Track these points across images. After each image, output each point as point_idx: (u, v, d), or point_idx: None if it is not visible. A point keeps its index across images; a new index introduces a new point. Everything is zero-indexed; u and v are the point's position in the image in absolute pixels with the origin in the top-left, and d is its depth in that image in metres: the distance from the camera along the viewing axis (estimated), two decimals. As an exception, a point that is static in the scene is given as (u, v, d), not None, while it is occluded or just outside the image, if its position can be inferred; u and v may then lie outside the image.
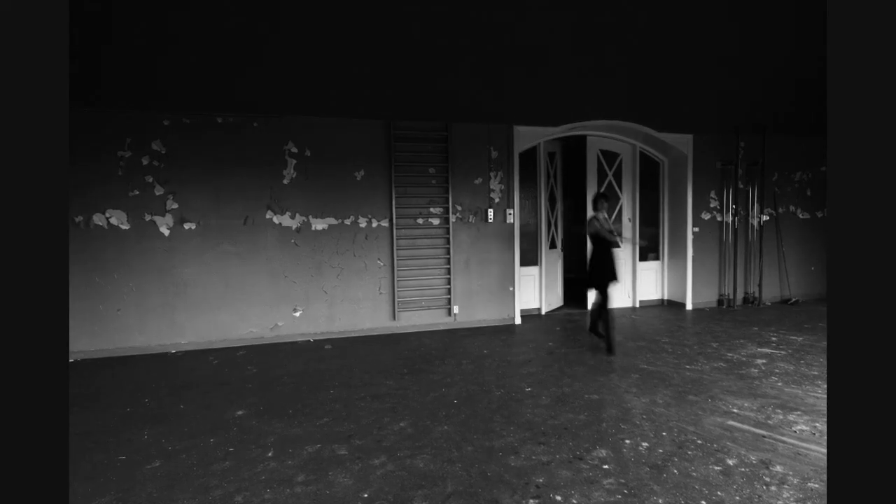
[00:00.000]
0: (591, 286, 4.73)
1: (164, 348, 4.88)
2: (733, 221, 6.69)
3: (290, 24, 4.69)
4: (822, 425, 2.89)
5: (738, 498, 2.18)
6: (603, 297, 4.58)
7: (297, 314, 5.22)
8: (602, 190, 6.36)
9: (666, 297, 6.93)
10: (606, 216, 4.71)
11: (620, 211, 6.82)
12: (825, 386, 3.54)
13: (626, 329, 5.51)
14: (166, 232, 4.83)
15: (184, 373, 4.21)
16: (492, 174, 5.70)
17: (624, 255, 6.84)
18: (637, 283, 6.84)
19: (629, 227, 6.84)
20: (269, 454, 2.68)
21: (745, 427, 2.90)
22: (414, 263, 5.52)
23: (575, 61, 5.54)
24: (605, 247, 4.55)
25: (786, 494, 2.20)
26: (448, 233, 5.56)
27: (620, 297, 6.81)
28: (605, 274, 4.54)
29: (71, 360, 4.58)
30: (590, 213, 4.84)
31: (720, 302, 6.71)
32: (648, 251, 6.99)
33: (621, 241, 4.96)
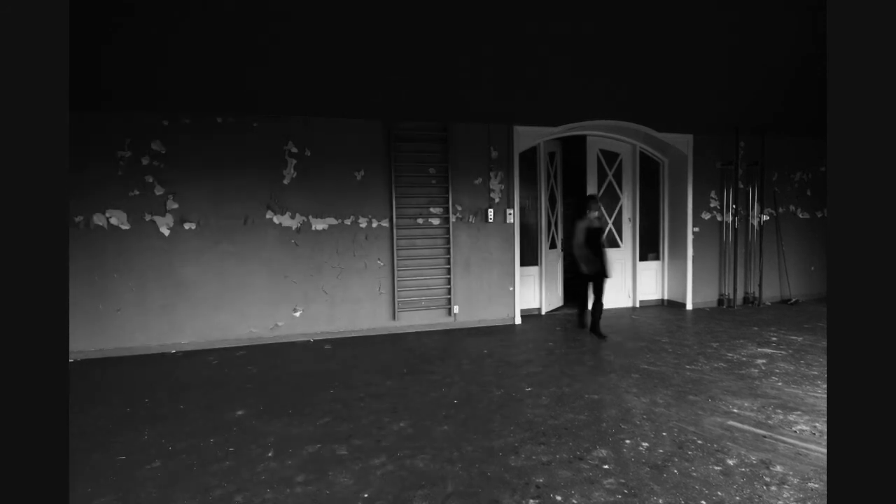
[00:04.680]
0: (592, 282, 5.20)
1: (164, 348, 4.88)
2: (733, 221, 6.69)
3: (291, 25, 4.68)
4: (822, 425, 2.89)
5: (738, 498, 2.18)
6: (599, 292, 5.17)
7: (297, 314, 5.22)
8: (592, 192, 6.58)
9: (666, 297, 6.93)
10: (600, 215, 5.24)
11: (620, 211, 6.83)
12: (825, 386, 3.54)
13: (626, 329, 5.51)
14: (166, 232, 4.83)
15: (184, 373, 4.21)
16: (492, 174, 5.70)
17: (623, 256, 6.85)
18: (637, 283, 6.84)
19: (629, 226, 6.85)
20: (269, 454, 2.68)
21: (746, 427, 2.90)
22: (414, 263, 5.52)
23: (574, 61, 5.53)
24: (599, 245, 5.13)
25: (786, 494, 2.20)
26: (448, 233, 5.56)
27: (620, 297, 6.83)
28: (604, 270, 5.10)
29: (71, 360, 4.58)
30: (592, 217, 5.17)
31: (720, 302, 6.71)
32: (648, 251, 6.99)
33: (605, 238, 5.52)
